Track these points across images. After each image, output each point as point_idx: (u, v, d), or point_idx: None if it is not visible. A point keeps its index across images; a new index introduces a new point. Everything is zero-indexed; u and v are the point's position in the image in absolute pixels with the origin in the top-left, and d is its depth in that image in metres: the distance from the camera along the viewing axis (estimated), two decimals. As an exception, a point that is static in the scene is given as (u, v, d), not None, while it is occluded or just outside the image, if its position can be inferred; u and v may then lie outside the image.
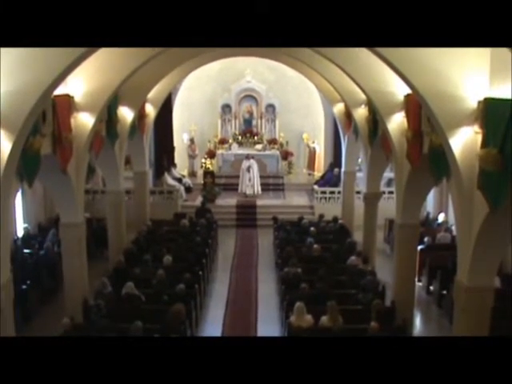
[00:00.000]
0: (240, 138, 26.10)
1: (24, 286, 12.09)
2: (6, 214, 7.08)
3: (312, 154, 25.80)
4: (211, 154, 25.55)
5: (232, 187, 23.22)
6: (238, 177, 23.01)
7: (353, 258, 13.51)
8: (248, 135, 26.11)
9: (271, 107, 26.19)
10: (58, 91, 8.41)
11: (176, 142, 24.88)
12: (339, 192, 20.29)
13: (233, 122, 26.28)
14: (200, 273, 13.06)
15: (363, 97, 13.47)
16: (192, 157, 25.77)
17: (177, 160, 24.68)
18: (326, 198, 21.28)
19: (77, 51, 6.25)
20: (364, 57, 10.10)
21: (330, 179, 22.09)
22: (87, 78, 10.32)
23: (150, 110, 17.93)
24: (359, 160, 18.75)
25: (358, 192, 18.38)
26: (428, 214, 19.14)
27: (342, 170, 19.01)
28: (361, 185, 17.51)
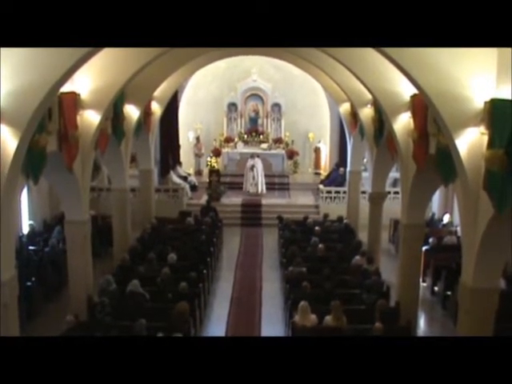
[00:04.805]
0: (246, 136, 26.11)
1: (29, 283, 12.12)
2: (11, 211, 7.10)
3: (318, 154, 25.80)
4: (217, 153, 25.57)
5: (237, 186, 23.22)
6: (243, 175, 23.00)
7: (357, 257, 13.49)
8: (254, 134, 26.10)
9: (277, 106, 26.17)
10: (65, 88, 8.42)
11: (182, 141, 24.88)
12: (344, 192, 20.28)
13: (238, 120, 26.28)
14: (204, 271, 13.06)
15: (369, 97, 13.45)
16: (197, 155, 25.81)
17: (182, 158, 24.72)
18: (331, 197, 21.26)
19: (83, 49, 6.26)
20: (370, 57, 10.07)
21: (335, 179, 22.07)
22: (93, 76, 10.32)
23: (156, 108, 17.93)
24: (365, 160, 18.72)
25: (364, 192, 18.32)
26: (433, 214, 19.10)
27: (348, 169, 18.99)
28: (366, 185, 17.47)
